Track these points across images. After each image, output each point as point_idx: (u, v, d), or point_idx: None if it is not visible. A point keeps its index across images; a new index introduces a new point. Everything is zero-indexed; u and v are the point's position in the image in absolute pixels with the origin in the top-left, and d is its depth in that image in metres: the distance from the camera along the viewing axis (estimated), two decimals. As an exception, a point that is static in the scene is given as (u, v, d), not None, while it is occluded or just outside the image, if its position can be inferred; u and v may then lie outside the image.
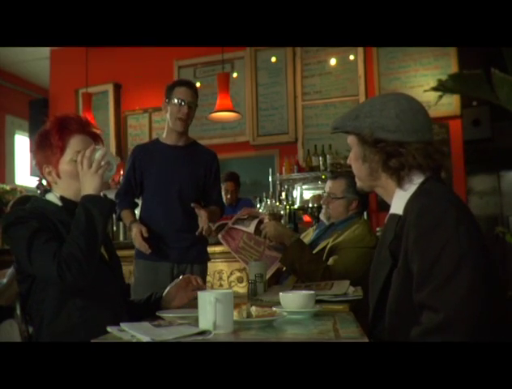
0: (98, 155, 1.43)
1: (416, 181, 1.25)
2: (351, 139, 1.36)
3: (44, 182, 1.63)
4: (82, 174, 1.43)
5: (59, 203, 1.50)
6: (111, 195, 4.12)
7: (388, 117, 1.26)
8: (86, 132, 1.53)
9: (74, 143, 1.49)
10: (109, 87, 5.59)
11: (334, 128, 1.41)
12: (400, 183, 1.27)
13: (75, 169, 1.46)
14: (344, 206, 2.27)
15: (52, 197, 1.52)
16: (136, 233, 2.40)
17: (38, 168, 1.54)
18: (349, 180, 2.26)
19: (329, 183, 2.34)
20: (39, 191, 4.83)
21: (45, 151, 1.49)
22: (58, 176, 1.50)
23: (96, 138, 1.55)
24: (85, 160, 1.42)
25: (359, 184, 1.40)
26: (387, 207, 1.37)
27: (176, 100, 2.45)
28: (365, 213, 4.33)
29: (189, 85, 2.52)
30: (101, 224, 1.39)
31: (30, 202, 1.52)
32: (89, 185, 1.42)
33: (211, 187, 2.59)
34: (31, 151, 1.68)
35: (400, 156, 1.24)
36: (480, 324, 1.05)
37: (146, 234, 2.38)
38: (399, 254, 1.21)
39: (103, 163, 1.43)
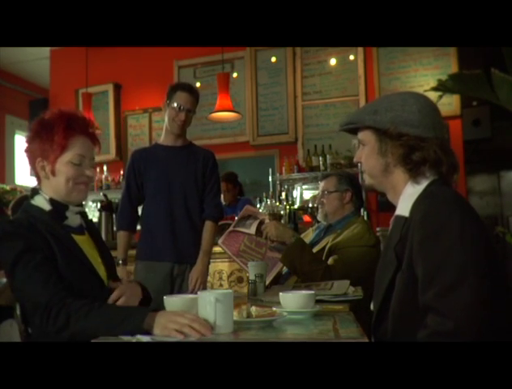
0: (189, 335, 1.14)
1: (429, 178, 1.26)
2: (366, 135, 1.35)
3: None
4: (164, 317, 1.18)
5: (48, 206, 1.45)
6: (111, 195, 4.14)
7: (410, 111, 1.27)
8: (88, 134, 1.51)
9: (77, 144, 1.46)
10: (109, 87, 5.59)
11: (348, 123, 1.39)
12: (417, 178, 1.27)
13: (72, 171, 1.44)
14: (338, 198, 2.31)
15: (41, 200, 1.46)
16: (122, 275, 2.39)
17: (30, 158, 1.47)
18: (340, 174, 2.38)
19: (321, 183, 2.40)
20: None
21: (44, 145, 1.43)
22: (53, 173, 1.45)
23: (94, 141, 1.52)
24: (175, 331, 1.14)
25: (369, 181, 1.39)
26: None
27: (175, 104, 2.46)
28: (365, 213, 4.36)
29: (191, 91, 2.52)
30: (114, 334, 1.18)
31: (21, 208, 1.47)
32: (157, 326, 1.16)
33: (208, 185, 2.57)
34: (27, 139, 1.55)
35: (422, 150, 1.26)
36: (489, 331, 1.04)
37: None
38: (404, 257, 1.21)
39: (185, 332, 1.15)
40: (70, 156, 1.45)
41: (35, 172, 1.48)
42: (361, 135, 1.36)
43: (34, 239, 1.36)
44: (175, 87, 2.52)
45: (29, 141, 1.47)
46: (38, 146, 1.45)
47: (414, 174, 1.27)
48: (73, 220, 1.50)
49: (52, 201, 1.46)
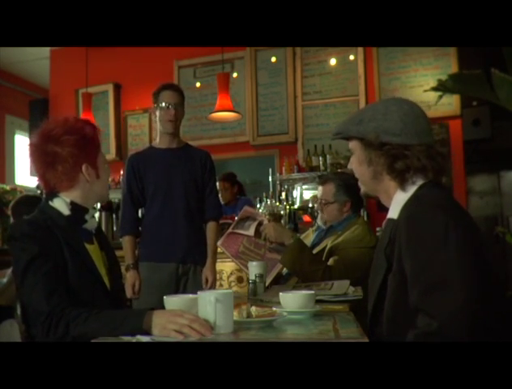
0: (189, 335, 1.12)
1: (417, 183, 1.27)
2: (354, 144, 1.37)
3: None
4: (163, 317, 1.16)
5: (67, 211, 1.43)
6: (112, 195, 4.14)
7: (392, 120, 1.28)
8: None
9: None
10: (109, 87, 5.58)
11: (336, 134, 1.41)
12: (403, 185, 1.28)
13: (108, 171, 1.53)
14: (338, 209, 2.29)
15: (60, 203, 1.44)
16: (129, 285, 2.43)
17: (73, 167, 1.43)
18: (337, 182, 2.32)
19: (319, 189, 2.38)
20: (39, 191, 4.84)
21: (88, 149, 1.45)
22: (98, 176, 1.48)
23: None
24: (174, 331, 1.13)
25: (363, 188, 1.42)
26: (387, 207, 1.38)
27: (163, 104, 2.51)
28: (365, 213, 4.36)
29: (174, 88, 2.60)
30: (113, 334, 1.18)
31: (38, 209, 1.45)
32: (155, 326, 1.15)
33: (207, 185, 2.61)
34: (71, 153, 1.44)
35: (405, 159, 1.26)
36: (476, 331, 1.04)
37: (137, 288, 2.46)
38: (393, 259, 1.21)
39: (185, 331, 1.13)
40: (103, 157, 1.52)
41: (73, 176, 1.44)
42: (350, 144, 1.39)
43: (49, 244, 1.35)
44: (158, 90, 2.58)
45: (71, 153, 1.42)
46: (82, 154, 1.44)
47: (400, 181, 1.28)
48: (91, 223, 1.50)
49: (72, 204, 1.45)
